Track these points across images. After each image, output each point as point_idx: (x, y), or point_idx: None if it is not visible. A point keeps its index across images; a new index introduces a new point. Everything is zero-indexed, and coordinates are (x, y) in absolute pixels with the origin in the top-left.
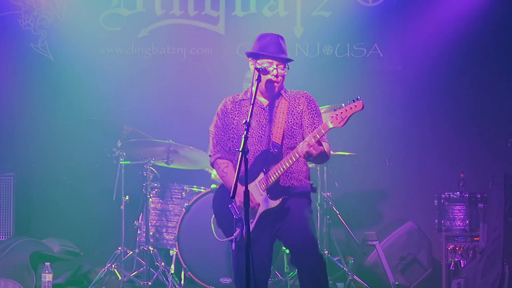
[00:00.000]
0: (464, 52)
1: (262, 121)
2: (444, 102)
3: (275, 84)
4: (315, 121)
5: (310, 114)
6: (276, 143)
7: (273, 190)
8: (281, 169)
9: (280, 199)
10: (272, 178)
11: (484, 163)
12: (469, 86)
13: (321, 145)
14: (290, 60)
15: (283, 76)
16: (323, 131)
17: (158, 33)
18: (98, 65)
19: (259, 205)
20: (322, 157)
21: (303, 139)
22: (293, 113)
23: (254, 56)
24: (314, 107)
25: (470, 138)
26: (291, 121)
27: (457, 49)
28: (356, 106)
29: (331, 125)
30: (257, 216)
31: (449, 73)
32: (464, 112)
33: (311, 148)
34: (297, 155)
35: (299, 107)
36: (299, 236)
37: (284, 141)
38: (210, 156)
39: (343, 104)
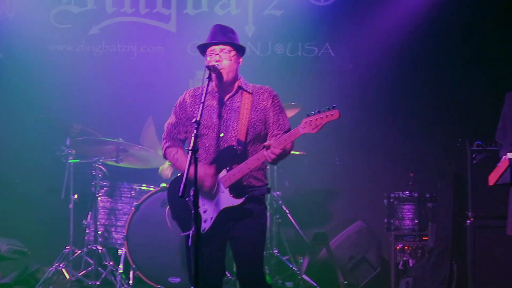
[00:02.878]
0: (414, 52)
1: (223, 116)
2: (394, 102)
3: (221, 70)
4: (279, 118)
5: (274, 111)
6: (240, 140)
7: (235, 188)
8: (247, 170)
9: (243, 198)
10: (236, 177)
11: (434, 162)
12: (419, 86)
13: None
14: (234, 44)
15: (229, 61)
16: (293, 137)
17: (109, 31)
18: (48, 62)
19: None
20: (282, 159)
21: (267, 136)
22: (256, 109)
23: (201, 50)
24: (277, 102)
25: (420, 138)
26: (254, 117)
27: (407, 49)
28: (332, 114)
29: (302, 131)
30: (216, 214)
31: (399, 73)
32: (414, 111)
33: (280, 153)
34: (265, 159)
35: (263, 102)
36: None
37: (248, 138)
38: (162, 149)
39: (314, 111)
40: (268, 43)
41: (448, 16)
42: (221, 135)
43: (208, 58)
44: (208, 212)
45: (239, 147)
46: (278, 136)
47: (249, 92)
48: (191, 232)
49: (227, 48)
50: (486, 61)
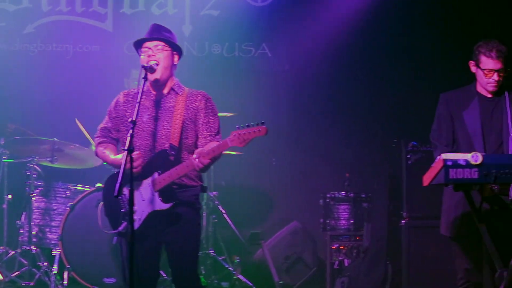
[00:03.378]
0: (351, 53)
1: (155, 116)
2: (331, 102)
3: (155, 67)
4: (210, 120)
5: (206, 113)
6: (173, 145)
7: (164, 192)
8: (176, 175)
9: (171, 204)
10: (165, 182)
11: (369, 163)
12: (355, 86)
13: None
14: (169, 42)
15: (164, 58)
16: (221, 148)
17: (44, 29)
18: None
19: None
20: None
21: (197, 137)
22: (188, 109)
23: (136, 48)
24: (210, 105)
25: (356, 139)
26: (186, 117)
27: (344, 50)
28: (260, 130)
29: (230, 144)
30: (144, 216)
31: (336, 73)
32: (350, 112)
33: (208, 163)
34: (193, 167)
35: (196, 103)
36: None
37: (181, 142)
38: (95, 147)
39: (244, 125)
40: (205, 43)
41: (384, 17)
42: (152, 134)
43: (142, 56)
44: (137, 213)
45: (172, 152)
46: (208, 138)
47: (182, 93)
48: (119, 229)
49: (161, 44)
50: (421, 62)
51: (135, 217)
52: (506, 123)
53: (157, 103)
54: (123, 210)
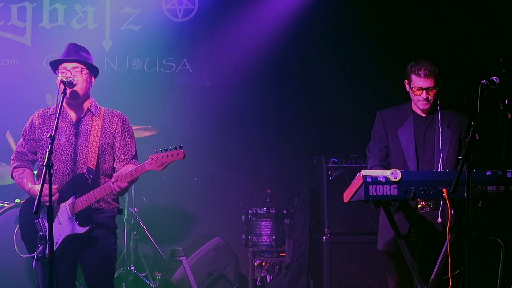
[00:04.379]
0: (271, 69)
1: (71, 138)
2: (252, 118)
3: (74, 81)
4: (127, 143)
5: (122, 135)
6: (91, 169)
7: (81, 216)
8: (93, 199)
9: (87, 228)
10: (82, 205)
11: (291, 179)
12: (275, 102)
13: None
14: (86, 63)
15: (81, 80)
16: (139, 172)
17: None
18: None
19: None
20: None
21: (114, 160)
22: (106, 133)
23: (53, 67)
24: (127, 128)
25: (277, 154)
26: (103, 141)
27: (264, 66)
28: (177, 154)
29: (148, 167)
30: (61, 239)
31: (256, 89)
32: (272, 128)
33: (124, 186)
34: (110, 191)
35: (113, 126)
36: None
37: (98, 165)
38: (10, 170)
39: (162, 149)
40: (125, 58)
41: (310, 30)
42: (69, 157)
43: (59, 76)
44: (54, 236)
45: (90, 176)
46: (124, 162)
47: (98, 115)
48: (36, 253)
49: (80, 66)
50: (348, 78)
51: None
52: (438, 142)
53: (74, 125)
54: (40, 234)
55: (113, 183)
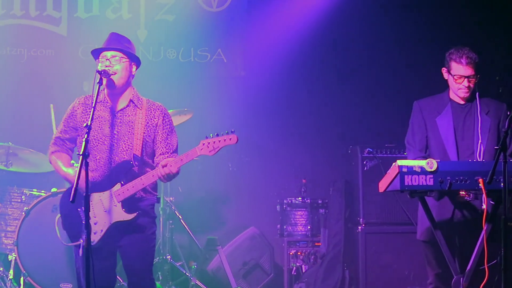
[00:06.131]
0: (307, 60)
1: (115, 128)
2: (287, 108)
3: (112, 76)
4: (168, 137)
5: (164, 129)
6: (137, 156)
7: (127, 203)
8: (141, 186)
9: (135, 214)
10: (130, 192)
11: (325, 169)
12: (311, 92)
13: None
14: (126, 52)
15: (121, 68)
16: (189, 157)
17: None
18: None
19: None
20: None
21: (155, 153)
22: (148, 126)
23: (94, 56)
24: (168, 122)
25: (312, 145)
26: (147, 134)
27: (299, 56)
28: (230, 139)
29: (199, 152)
30: (106, 227)
31: (292, 79)
32: (306, 118)
33: (173, 172)
34: (159, 177)
35: (155, 120)
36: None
37: (143, 154)
38: (48, 155)
39: (213, 134)
40: (160, 48)
41: (345, 21)
42: (112, 145)
43: (99, 66)
44: (98, 225)
45: (136, 162)
46: (165, 155)
47: (141, 107)
48: (82, 241)
49: (119, 55)
50: (378, 69)
51: (96, 228)
52: (477, 130)
53: (116, 115)
54: (84, 222)
55: (163, 167)
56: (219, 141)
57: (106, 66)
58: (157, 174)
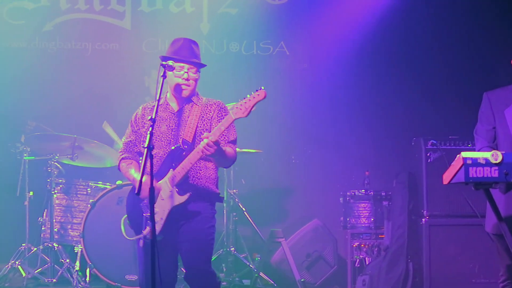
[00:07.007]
0: (370, 52)
1: (172, 126)
2: (350, 100)
3: (186, 87)
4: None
5: (219, 121)
6: (186, 141)
7: (181, 186)
8: (189, 165)
9: (188, 194)
10: (181, 174)
11: (389, 161)
12: (373, 85)
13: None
14: (202, 65)
15: (195, 80)
16: (227, 123)
17: (63, 27)
18: (1, 59)
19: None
20: (223, 159)
21: None
22: (203, 119)
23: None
24: (224, 114)
25: (375, 136)
26: (201, 127)
27: (363, 48)
28: (258, 95)
29: (234, 116)
30: (166, 214)
31: (354, 71)
32: (369, 110)
33: (211, 143)
34: (202, 150)
35: (210, 113)
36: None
37: (194, 141)
38: (118, 160)
39: (248, 96)
40: (223, 41)
41: (406, 14)
42: (172, 148)
43: (175, 73)
44: (158, 214)
45: (185, 147)
46: (222, 144)
47: (199, 104)
48: (143, 234)
49: (196, 68)
50: (443, 60)
51: (157, 217)
52: None
53: (175, 114)
54: (144, 215)
55: (204, 139)
56: (249, 100)
57: (185, 79)
58: (200, 149)
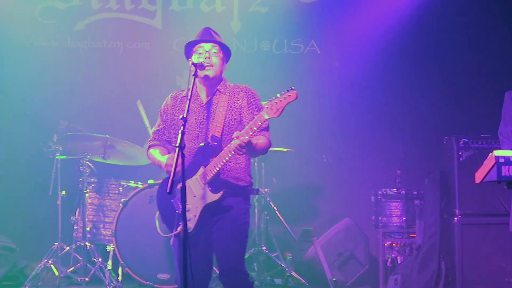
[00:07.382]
0: (401, 50)
1: (200, 118)
2: (381, 99)
3: (210, 67)
4: (255, 116)
5: (250, 110)
6: (215, 136)
7: (213, 184)
8: (221, 163)
9: (221, 192)
10: (212, 172)
11: (420, 160)
12: (405, 84)
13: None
14: (223, 44)
15: (218, 59)
16: (259, 123)
17: (94, 27)
18: (33, 58)
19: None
20: (256, 151)
21: None
22: (231, 108)
23: (187, 49)
24: (254, 101)
25: (406, 135)
26: (229, 117)
27: (394, 47)
28: (290, 96)
29: (266, 116)
30: (199, 212)
31: (386, 70)
32: (401, 109)
33: (243, 144)
34: (231, 149)
35: (238, 102)
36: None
37: (223, 135)
38: (147, 149)
39: (278, 95)
40: (254, 40)
41: (435, 15)
42: (201, 144)
43: (195, 56)
44: (191, 211)
45: (214, 143)
46: (255, 133)
47: (226, 92)
48: (176, 231)
49: (217, 47)
50: (473, 58)
51: (190, 215)
52: None
53: (204, 106)
54: (177, 211)
55: (235, 138)
56: (280, 100)
57: (206, 58)
58: (231, 148)
